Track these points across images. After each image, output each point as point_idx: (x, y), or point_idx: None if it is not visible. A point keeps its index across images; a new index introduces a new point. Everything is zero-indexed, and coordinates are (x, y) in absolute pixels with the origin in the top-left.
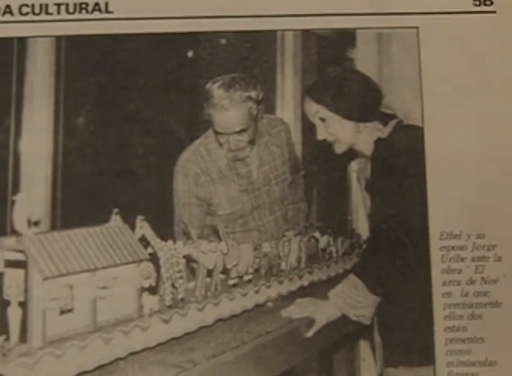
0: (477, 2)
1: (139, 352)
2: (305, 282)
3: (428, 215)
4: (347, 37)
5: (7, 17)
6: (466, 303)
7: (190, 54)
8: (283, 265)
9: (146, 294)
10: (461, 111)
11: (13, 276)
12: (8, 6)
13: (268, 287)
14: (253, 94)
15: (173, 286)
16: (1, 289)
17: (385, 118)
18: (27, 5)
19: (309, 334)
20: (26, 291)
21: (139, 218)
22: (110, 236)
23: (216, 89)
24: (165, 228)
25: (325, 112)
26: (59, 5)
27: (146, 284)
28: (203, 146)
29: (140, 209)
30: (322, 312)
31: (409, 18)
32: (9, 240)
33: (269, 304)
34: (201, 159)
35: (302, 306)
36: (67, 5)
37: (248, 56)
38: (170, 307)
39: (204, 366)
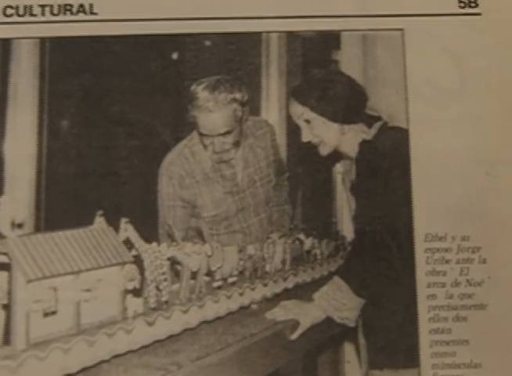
0: (462, 4)
1: (123, 354)
2: (290, 284)
3: (413, 216)
4: (332, 40)
5: None
6: (450, 305)
7: (175, 56)
8: (267, 268)
9: (130, 297)
10: (446, 113)
11: None
12: None
13: (253, 289)
14: (238, 96)
15: (157, 288)
16: None
17: (370, 120)
18: (11, 7)
19: (294, 336)
20: (9, 293)
21: (123, 220)
22: (94, 238)
23: (201, 91)
24: (149, 230)
25: (310, 114)
26: (43, 6)
27: (130, 287)
28: (187, 148)
29: (124, 211)
30: (307, 314)
31: (393, 20)
32: None
33: (254, 306)
34: (186, 161)
35: (287, 308)
36: (52, 6)
37: (233, 57)
38: (154, 309)
39: (189, 369)
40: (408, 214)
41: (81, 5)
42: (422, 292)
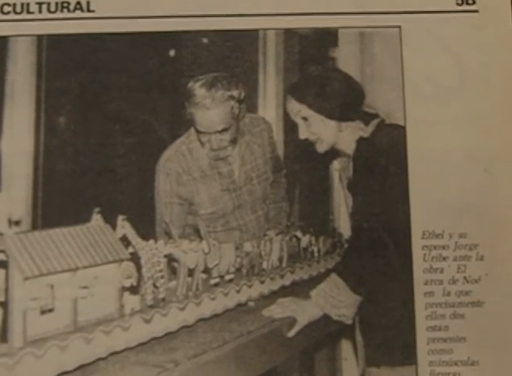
0: (460, 1)
1: (120, 352)
2: (287, 281)
3: (410, 214)
4: (329, 37)
5: None
6: (448, 302)
7: (172, 53)
8: (264, 265)
9: (127, 294)
10: (443, 110)
11: None
12: None
13: (250, 286)
14: (235, 93)
15: (154, 285)
16: None
17: (367, 117)
18: (8, 4)
19: (291, 333)
20: (6, 290)
21: (120, 217)
22: (91, 235)
23: (198, 88)
24: (146, 227)
25: (307, 111)
26: (40, 4)
27: (127, 284)
28: (184, 146)
29: (121, 208)
30: (304, 311)
31: (391, 17)
32: None
33: (251, 303)
34: (183, 158)
35: (284, 306)
36: (49, 4)
37: (230, 55)
38: (151, 307)
39: (186, 366)
40: (405, 211)
41: (78, 3)
42: (419, 289)
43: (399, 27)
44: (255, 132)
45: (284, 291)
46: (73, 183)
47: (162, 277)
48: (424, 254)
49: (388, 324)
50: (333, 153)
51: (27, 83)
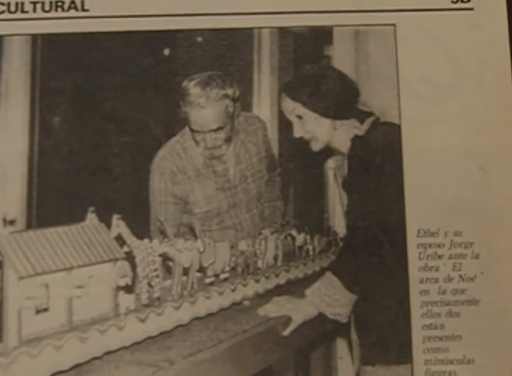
0: None
1: (115, 351)
2: (282, 280)
3: (405, 212)
4: (324, 35)
5: None
6: (443, 301)
7: (167, 52)
8: (259, 264)
9: (121, 293)
10: (438, 108)
11: None
12: None
13: (245, 285)
14: (229, 92)
15: (149, 285)
16: None
17: (362, 116)
18: (2, 4)
19: (286, 332)
20: (1, 290)
21: (115, 216)
22: (86, 234)
23: (192, 87)
24: (141, 226)
25: (301, 109)
26: (34, 3)
27: (122, 283)
28: (179, 144)
29: (116, 208)
30: (299, 310)
31: (386, 15)
32: None
33: (246, 302)
34: (177, 157)
35: (279, 305)
36: (43, 3)
37: (225, 53)
38: (146, 306)
39: (181, 365)
40: (400, 209)
41: (73, 2)
42: (414, 288)
43: (394, 25)
44: (250, 131)
45: (279, 290)
46: (68, 183)
47: (157, 276)
48: (420, 253)
49: (384, 323)
50: (328, 151)
51: (22, 82)
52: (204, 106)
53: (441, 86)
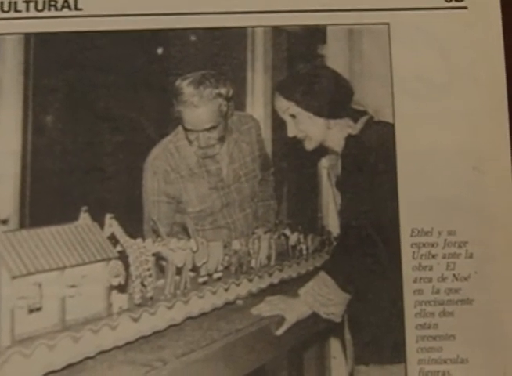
0: None
1: (108, 350)
2: (275, 279)
3: (399, 211)
4: (317, 34)
5: None
6: (437, 300)
7: (160, 51)
8: (252, 263)
9: (114, 293)
10: (432, 107)
11: None
12: None
13: (238, 284)
14: (223, 91)
15: (142, 284)
16: None
17: (356, 115)
18: None
19: (279, 332)
20: None
21: (108, 216)
22: (79, 234)
23: (186, 86)
24: (134, 226)
25: (295, 109)
26: (28, 2)
27: (115, 283)
28: (172, 144)
29: (109, 207)
30: (293, 309)
31: (380, 14)
32: None
33: (239, 302)
34: (171, 156)
35: (272, 304)
36: (36, 2)
37: (218, 52)
38: (139, 305)
39: (174, 365)
40: (394, 208)
41: (66, 1)
42: (408, 287)
43: (388, 23)
44: (243, 130)
45: (272, 290)
46: (61, 182)
47: (150, 276)
48: (413, 252)
49: (377, 322)
50: (322, 150)
51: (15, 81)
52: (198, 105)
53: (436, 85)
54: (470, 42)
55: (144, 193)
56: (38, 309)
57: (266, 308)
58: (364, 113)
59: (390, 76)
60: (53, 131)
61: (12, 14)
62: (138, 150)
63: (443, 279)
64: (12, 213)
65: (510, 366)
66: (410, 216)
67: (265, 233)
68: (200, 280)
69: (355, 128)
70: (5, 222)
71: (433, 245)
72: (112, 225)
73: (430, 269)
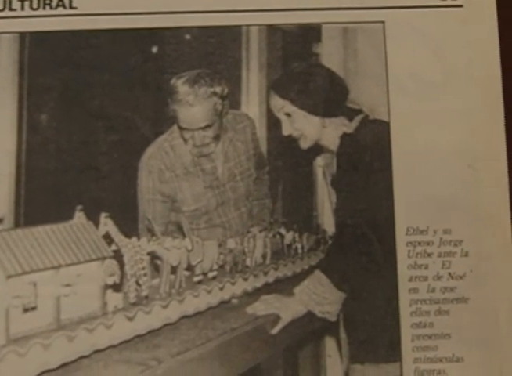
0: None
1: (103, 349)
2: (270, 278)
3: (394, 210)
4: (312, 32)
5: None
6: (432, 299)
7: (155, 50)
8: (248, 262)
9: (109, 292)
10: (427, 106)
11: None
12: None
13: (233, 283)
14: (218, 89)
15: (137, 283)
16: None
17: (351, 113)
18: None
19: (275, 330)
20: None
21: (103, 215)
22: (74, 233)
23: (181, 85)
24: (129, 225)
25: (290, 107)
26: (22, 1)
27: (110, 281)
28: (167, 142)
29: (104, 206)
30: (288, 308)
31: (374, 12)
32: None
33: (234, 301)
34: (166, 155)
35: (267, 303)
36: (31, 1)
37: (213, 51)
38: (134, 304)
39: (169, 364)
40: (389, 207)
41: (61, 0)
42: (404, 286)
43: (383, 22)
44: (238, 129)
45: (268, 288)
46: (56, 181)
47: (145, 275)
48: (409, 251)
49: (372, 321)
50: (317, 149)
51: (9, 80)
52: (193, 104)
53: (431, 83)
54: (465, 41)
55: (139, 192)
56: (33, 308)
57: (261, 307)
58: (359, 111)
59: (385, 74)
60: (48, 130)
61: (6, 13)
62: (133, 148)
63: (438, 277)
64: (7, 212)
65: (505, 365)
66: (405, 215)
67: (260, 231)
68: (195, 278)
69: (350, 127)
70: None
71: (428, 244)
72: (107, 224)
73: (426, 267)
